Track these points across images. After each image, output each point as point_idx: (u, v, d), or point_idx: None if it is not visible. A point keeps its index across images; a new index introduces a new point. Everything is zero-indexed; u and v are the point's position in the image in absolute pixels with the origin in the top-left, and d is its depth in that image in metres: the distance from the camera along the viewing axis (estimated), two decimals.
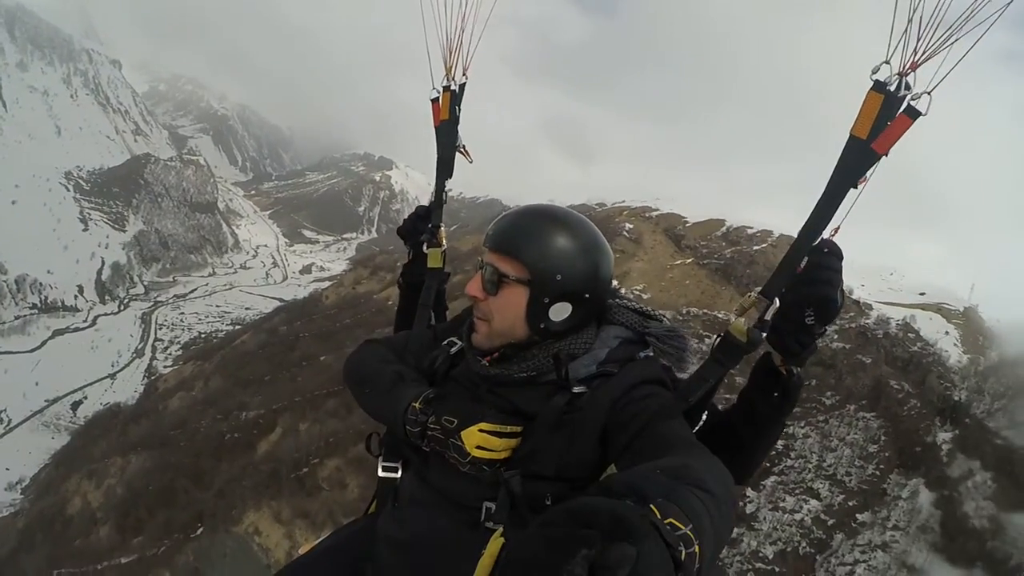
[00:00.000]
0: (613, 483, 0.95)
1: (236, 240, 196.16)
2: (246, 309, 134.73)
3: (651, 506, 0.85)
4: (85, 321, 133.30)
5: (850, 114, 1.47)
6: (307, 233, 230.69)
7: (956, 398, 27.88)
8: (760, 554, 24.68)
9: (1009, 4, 1.34)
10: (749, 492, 26.59)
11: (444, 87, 2.38)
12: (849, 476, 27.72)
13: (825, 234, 1.55)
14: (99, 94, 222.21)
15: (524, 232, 1.70)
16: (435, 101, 2.40)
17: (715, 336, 1.67)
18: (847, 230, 1.56)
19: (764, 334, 1.61)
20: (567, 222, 1.73)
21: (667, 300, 41.75)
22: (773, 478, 27.49)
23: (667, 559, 0.78)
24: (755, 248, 44.67)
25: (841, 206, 1.54)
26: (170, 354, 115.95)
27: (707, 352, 1.68)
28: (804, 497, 27.18)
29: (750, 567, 24.10)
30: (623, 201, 61.10)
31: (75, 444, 68.18)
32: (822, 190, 1.53)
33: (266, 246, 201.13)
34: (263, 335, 70.59)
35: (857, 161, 1.48)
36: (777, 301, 1.60)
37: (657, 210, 53.68)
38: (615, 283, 2.10)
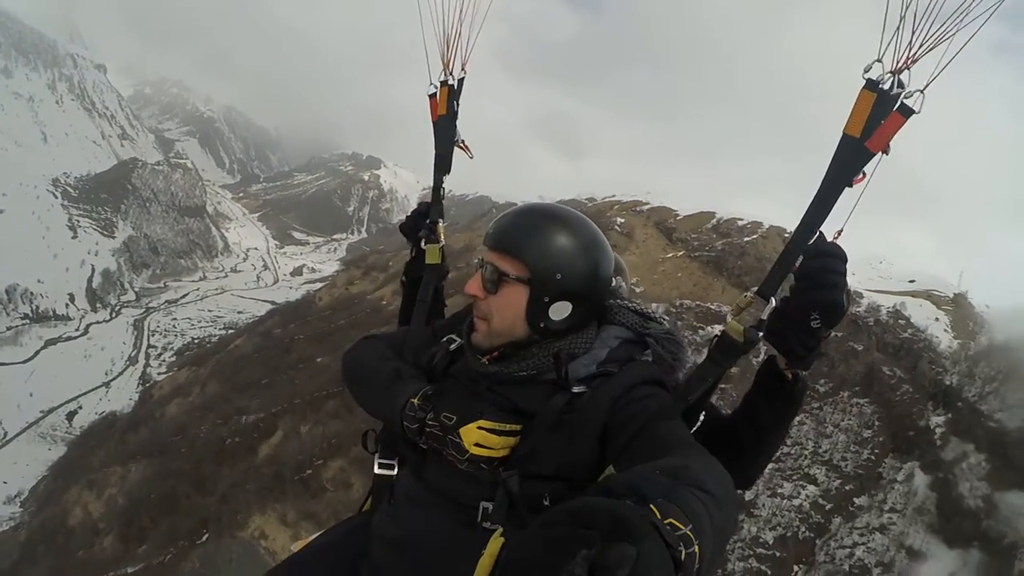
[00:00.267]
0: (613, 483, 0.96)
1: (226, 243, 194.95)
2: (238, 313, 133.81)
3: (651, 506, 0.86)
4: (77, 330, 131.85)
5: (841, 110, 1.50)
6: (297, 235, 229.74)
7: (948, 382, 28.27)
8: (760, 539, 25.10)
9: (1001, 3, 1.36)
10: None
11: (441, 82, 2.37)
12: (845, 461, 28.13)
13: (828, 236, 1.56)
14: (84, 99, 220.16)
15: (524, 231, 1.71)
16: (432, 96, 2.40)
17: (712, 336, 1.69)
18: (838, 223, 1.59)
19: (761, 334, 1.62)
20: (567, 221, 1.74)
21: (660, 293, 41.93)
22: (771, 465, 27.73)
23: (667, 559, 0.78)
24: (746, 239, 44.87)
25: (845, 208, 1.56)
26: (164, 361, 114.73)
27: (702, 343, 1.84)
28: (801, 483, 27.60)
29: (751, 552, 24.54)
30: (613, 196, 61.08)
31: (72, 455, 67.62)
32: (816, 189, 1.55)
33: (256, 249, 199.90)
34: (257, 338, 70.21)
35: (851, 160, 1.50)
36: (774, 300, 1.61)
37: (648, 204, 53.74)
38: (623, 282, 2.19)
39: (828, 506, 25.85)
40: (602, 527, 0.75)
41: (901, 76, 1.44)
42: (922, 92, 1.42)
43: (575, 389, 1.67)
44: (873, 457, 26.94)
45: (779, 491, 27.28)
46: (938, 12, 1.38)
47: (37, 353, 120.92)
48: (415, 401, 1.73)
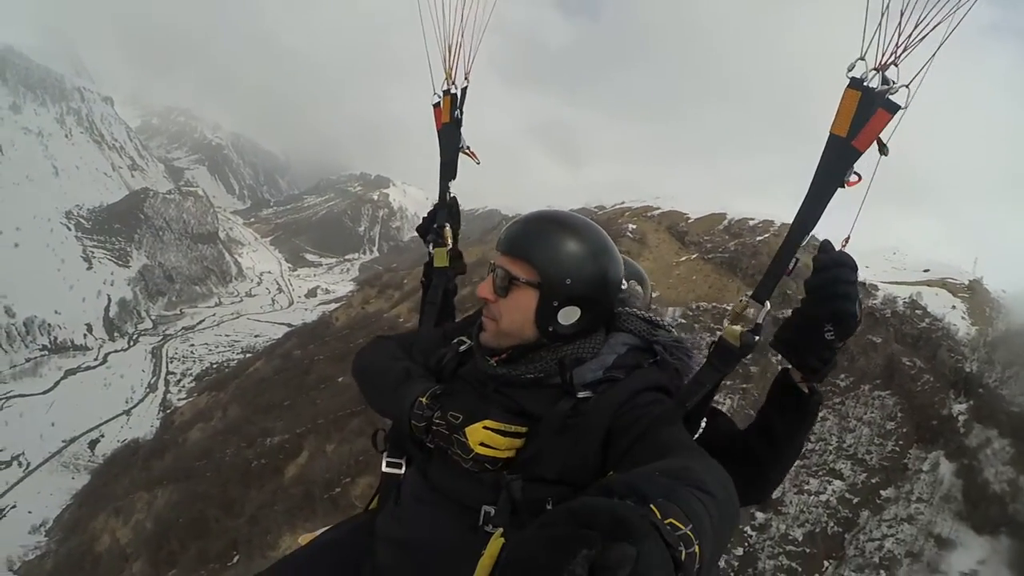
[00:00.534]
0: (613, 484, 0.95)
1: (239, 268, 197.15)
2: (255, 336, 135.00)
3: (651, 506, 0.86)
4: (96, 359, 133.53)
5: (836, 103, 1.50)
6: (309, 257, 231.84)
7: (968, 370, 28.27)
8: (790, 536, 25.09)
9: None
10: None
11: (444, 91, 2.41)
12: (870, 454, 28.09)
13: (836, 244, 1.56)
14: (93, 132, 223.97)
15: (535, 236, 1.72)
16: (436, 106, 2.44)
17: (710, 342, 1.70)
18: (836, 226, 1.60)
19: (757, 338, 1.62)
20: (577, 227, 1.75)
21: (676, 296, 42.16)
22: (796, 462, 27.81)
23: (667, 559, 0.78)
24: (758, 239, 45.06)
25: (849, 213, 1.58)
26: (183, 387, 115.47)
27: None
28: (827, 478, 27.57)
29: (781, 550, 24.51)
30: (623, 202, 61.66)
31: (96, 483, 68.11)
32: (806, 190, 1.55)
33: (269, 272, 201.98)
34: (277, 361, 70.61)
35: (839, 159, 1.50)
36: (768, 304, 1.63)
37: (658, 209, 54.13)
38: (643, 293, 2.20)
39: (855, 500, 25.80)
40: (602, 527, 0.75)
41: (886, 72, 1.44)
42: (907, 87, 1.43)
43: (580, 394, 1.67)
44: (898, 448, 26.90)
45: (806, 488, 27.26)
46: (915, 7, 1.40)
47: (57, 384, 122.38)
48: (423, 400, 1.74)
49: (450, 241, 2.43)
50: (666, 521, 0.83)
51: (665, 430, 1.50)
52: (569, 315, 1.72)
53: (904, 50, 1.42)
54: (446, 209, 2.45)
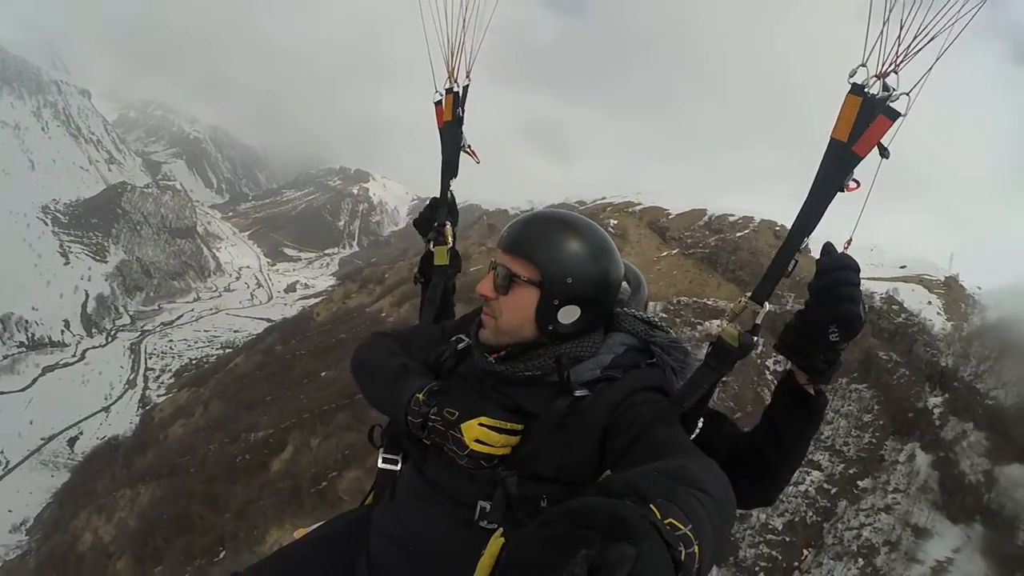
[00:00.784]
0: (612, 483, 0.96)
1: (218, 263, 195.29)
2: (235, 332, 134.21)
3: (651, 506, 0.86)
4: (74, 356, 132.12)
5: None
6: (288, 251, 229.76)
7: (943, 364, 28.72)
8: (770, 526, 25.56)
9: (983, 5, 1.38)
10: None
11: (447, 89, 2.43)
12: (847, 446, 28.57)
13: (838, 247, 1.56)
14: (70, 125, 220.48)
15: (538, 235, 1.73)
16: (438, 104, 2.45)
17: (707, 343, 1.69)
18: (836, 229, 1.60)
19: (756, 338, 1.62)
20: (579, 227, 1.76)
21: (657, 291, 42.35)
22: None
23: (667, 559, 0.78)
24: (738, 235, 45.55)
25: (850, 214, 1.59)
26: (162, 383, 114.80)
27: (701, 338, 2.05)
28: (806, 469, 28.01)
29: (761, 539, 25.00)
30: (604, 198, 61.91)
31: (76, 480, 67.18)
32: (806, 193, 1.56)
33: (248, 267, 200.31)
34: (258, 356, 70.00)
35: (839, 164, 1.51)
36: (767, 305, 1.63)
37: (640, 204, 54.39)
38: (641, 295, 2.29)
39: (833, 490, 26.29)
40: (602, 527, 0.75)
41: (887, 80, 1.46)
42: (907, 95, 1.44)
43: (577, 392, 1.69)
44: (874, 440, 27.36)
45: None
46: (917, 17, 1.41)
47: (35, 381, 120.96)
48: (420, 396, 1.75)
49: (450, 239, 2.46)
50: (666, 521, 0.83)
51: (662, 430, 1.51)
52: (569, 314, 1.74)
53: (903, 59, 1.44)
54: (446, 208, 2.47)
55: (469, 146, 2.45)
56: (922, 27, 1.42)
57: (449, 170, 2.45)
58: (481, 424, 1.65)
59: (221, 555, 35.29)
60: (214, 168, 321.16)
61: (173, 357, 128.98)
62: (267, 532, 34.73)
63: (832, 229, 1.62)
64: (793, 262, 1.59)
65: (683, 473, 1.07)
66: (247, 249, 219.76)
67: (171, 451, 53.51)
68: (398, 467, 2.01)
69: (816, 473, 27.97)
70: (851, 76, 1.47)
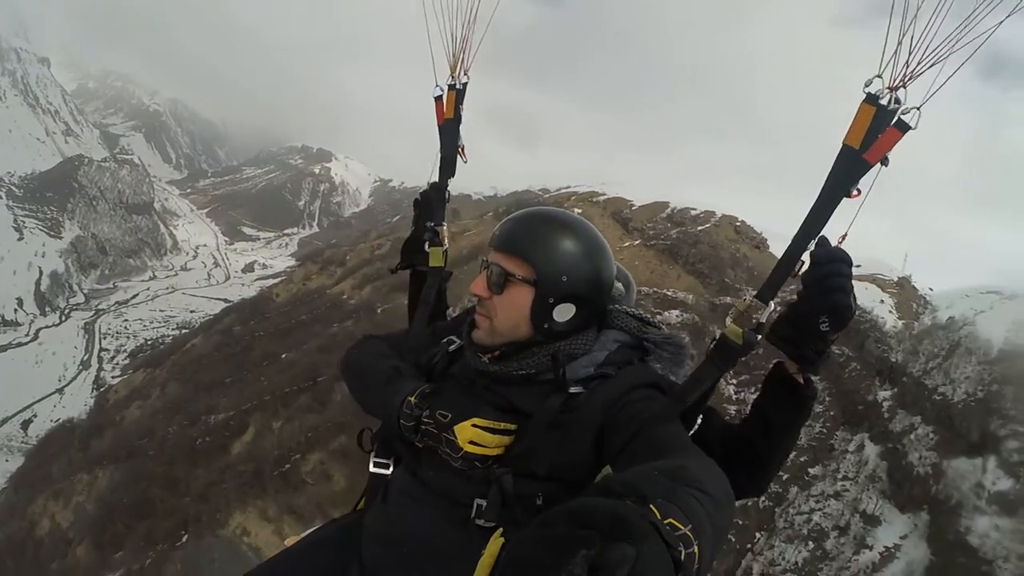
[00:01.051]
0: (612, 483, 0.96)
1: (175, 241, 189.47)
2: (191, 312, 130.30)
3: (651, 506, 0.86)
4: (27, 335, 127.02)
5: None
6: (247, 230, 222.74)
7: (893, 360, 29.34)
8: None
9: (997, 27, 1.40)
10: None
11: (450, 86, 2.40)
12: (799, 434, 29.30)
13: (833, 241, 1.58)
14: (28, 95, 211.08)
15: (531, 234, 1.74)
16: (438, 99, 2.42)
17: (710, 340, 1.68)
18: (836, 226, 1.58)
19: (759, 336, 1.62)
20: (573, 225, 1.77)
21: None
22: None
23: (667, 559, 0.78)
24: (699, 228, 45.87)
25: (846, 214, 1.58)
26: (117, 364, 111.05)
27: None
28: None
29: None
30: (569, 187, 61.66)
31: (31, 465, 64.58)
32: (815, 197, 1.57)
33: (205, 246, 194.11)
34: (216, 337, 68.25)
35: (849, 169, 1.52)
36: (772, 304, 1.63)
37: (604, 195, 54.50)
38: (631, 294, 2.32)
39: (785, 476, 26.67)
40: (602, 527, 0.75)
41: (898, 93, 1.48)
42: (918, 109, 1.47)
43: (572, 390, 1.68)
44: (824, 430, 27.73)
45: None
46: (933, 35, 1.43)
47: None
48: (412, 399, 1.74)
49: (446, 240, 2.44)
50: (666, 521, 0.84)
51: (661, 427, 1.52)
52: (564, 312, 1.74)
53: (911, 77, 1.47)
54: (444, 208, 2.46)
55: (462, 146, 2.44)
56: (927, 52, 1.45)
57: (448, 169, 2.44)
58: (474, 425, 1.66)
59: (184, 539, 34.90)
60: (173, 143, 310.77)
61: (128, 337, 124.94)
62: (230, 515, 34.44)
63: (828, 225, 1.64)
64: (800, 263, 1.60)
65: (682, 473, 1.09)
66: (205, 227, 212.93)
67: (129, 434, 52.18)
68: (389, 471, 2.00)
69: None
70: (866, 85, 1.50)
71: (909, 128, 1.48)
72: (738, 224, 46.18)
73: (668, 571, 0.77)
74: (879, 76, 1.48)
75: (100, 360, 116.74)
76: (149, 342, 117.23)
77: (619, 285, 2.00)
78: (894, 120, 1.49)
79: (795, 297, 1.62)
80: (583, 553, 0.71)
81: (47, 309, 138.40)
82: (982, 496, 20.68)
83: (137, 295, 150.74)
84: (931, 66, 1.44)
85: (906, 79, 1.47)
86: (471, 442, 1.65)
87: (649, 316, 1.91)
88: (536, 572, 0.72)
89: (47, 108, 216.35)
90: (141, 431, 51.03)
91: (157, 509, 37.87)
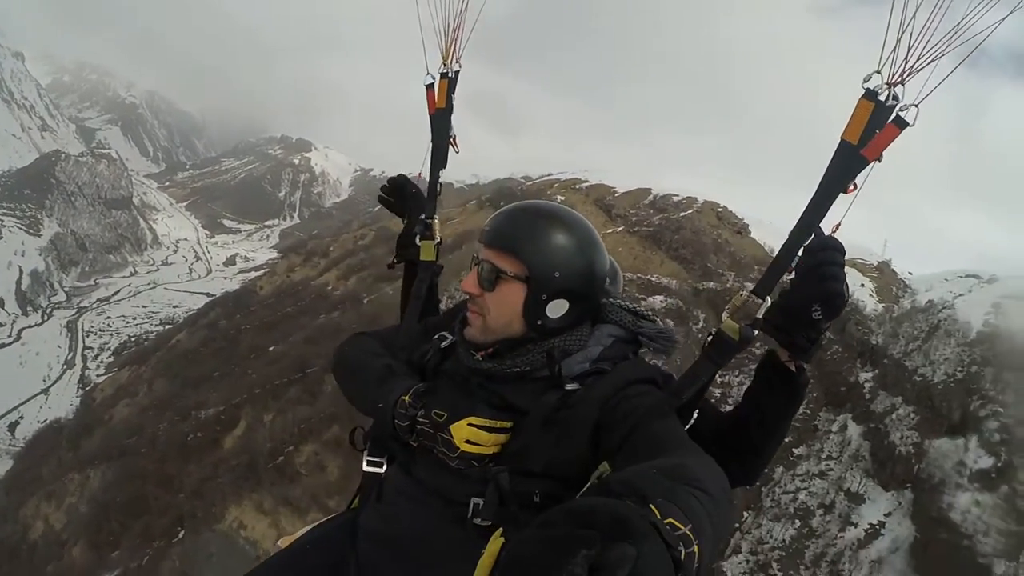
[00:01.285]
0: (612, 483, 0.96)
1: (155, 236, 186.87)
2: (174, 307, 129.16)
3: (651, 506, 0.86)
4: (10, 336, 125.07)
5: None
6: (227, 223, 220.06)
7: (874, 342, 29.75)
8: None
9: (996, 27, 1.39)
10: None
11: (442, 74, 2.34)
12: None
13: (826, 231, 1.58)
14: (3, 90, 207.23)
15: (522, 229, 1.70)
16: (429, 87, 2.36)
17: (707, 335, 1.67)
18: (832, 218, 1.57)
19: (756, 332, 1.62)
20: (565, 220, 1.73)
21: None
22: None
23: (667, 559, 0.78)
24: (682, 215, 46.05)
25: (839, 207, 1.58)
26: (102, 362, 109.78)
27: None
28: None
29: None
30: (551, 174, 61.28)
31: (20, 467, 63.58)
32: (813, 191, 1.57)
33: (186, 240, 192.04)
34: (202, 332, 67.78)
35: (847, 165, 1.52)
36: (768, 300, 1.62)
37: (586, 182, 54.44)
38: (617, 284, 2.23)
39: None
40: (602, 527, 0.75)
41: (896, 89, 1.47)
42: (916, 106, 1.46)
43: (568, 386, 1.66)
44: (808, 411, 27.84)
45: None
46: (933, 32, 1.43)
47: None
48: (406, 398, 1.72)
49: (438, 234, 2.41)
50: (666, 521, 0.84)
51: (658, 423, 1.50)
52: (557, 308, 1.71)
53: (910, 73, 1.47)
54: (435, 200, 2.42)
55: (454, 136, 2.39)
56: (926, 48, 1.46)
57: (439, 159, 2.39)
58: (471, 424, 1.64)
59: (180, 535, 34.85)
60: (150, 135, 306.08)
61: (111, 335, 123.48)
62: (226, 509, 34.44)
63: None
64: (796, 258, 1.59)
65: (682, 471, 1.09)
66: (185, 221, 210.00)
67: (118, 432, 51.71)
68: (383, 470, 1.95)
69: None
70: (865, 81, 1.49)
71: (907, 124, 1.49)
72: (720, 210, 46.48)
73: (668, 571, 0.77)
74: (878, 72, 1.49)
75: (84, 359, 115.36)
76: (133, 339, 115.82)
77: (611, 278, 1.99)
78: (892, 116, 1.49)
79: (788, 285, 1.62)
80: (584, 553, 0.70)
81: (29, 309, 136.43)
82: (964, 474, 21.11)
83: (119, 291, 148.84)
84: (930, 62, 1.45)
85: (905, 75, 1.47)
86: (467, 441, 1.63)
87: (643, 309, 1.90)
88: (537, 572, 0.71)
89: (22, 103, 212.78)
90: (131, 429, 50.65)
91: (152, 506, 37.67)
